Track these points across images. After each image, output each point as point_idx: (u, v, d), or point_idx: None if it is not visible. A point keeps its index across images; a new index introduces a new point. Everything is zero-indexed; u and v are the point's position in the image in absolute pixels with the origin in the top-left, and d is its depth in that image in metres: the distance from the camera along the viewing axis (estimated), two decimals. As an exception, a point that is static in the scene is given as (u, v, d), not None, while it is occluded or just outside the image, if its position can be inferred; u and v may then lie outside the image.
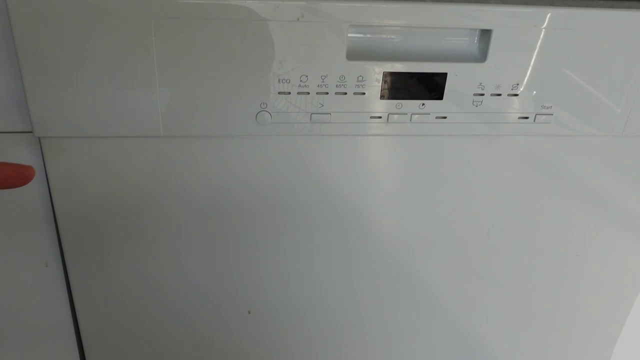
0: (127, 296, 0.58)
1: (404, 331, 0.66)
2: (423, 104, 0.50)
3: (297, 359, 0.67)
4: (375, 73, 0.48)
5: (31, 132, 0.48)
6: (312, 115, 0.49)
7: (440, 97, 0.50)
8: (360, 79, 0.48)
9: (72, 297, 0.58)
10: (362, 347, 0.67)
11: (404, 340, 0.67)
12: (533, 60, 0.49)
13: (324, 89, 0.48)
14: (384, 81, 0.49)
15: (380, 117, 0.50)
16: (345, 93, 0.49)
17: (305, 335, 0.65)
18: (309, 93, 0.48)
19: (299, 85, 0.48)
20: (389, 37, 0.49)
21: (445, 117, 0.51)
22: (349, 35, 0.47)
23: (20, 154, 0.50)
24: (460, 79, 0.49)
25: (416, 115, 0.51)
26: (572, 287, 0.67)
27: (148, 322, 0.61)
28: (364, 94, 0.49)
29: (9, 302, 0.57)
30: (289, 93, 0.48)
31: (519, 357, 0.72)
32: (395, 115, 0.50)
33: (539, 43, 0.49)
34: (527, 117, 0.52)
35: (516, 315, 0.68)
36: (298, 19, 0.45)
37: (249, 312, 0.62)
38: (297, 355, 0.66)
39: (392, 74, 0.48)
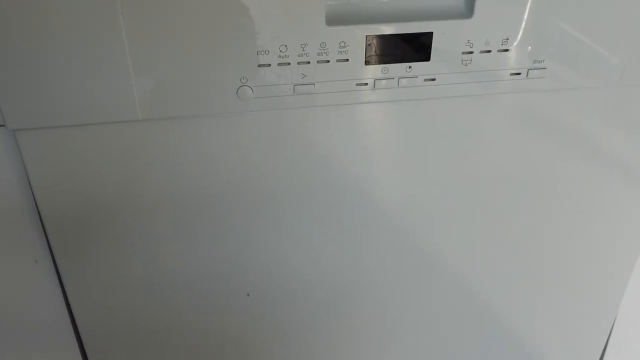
0: (121, 286, 0.57)
1: (410, 305, 0.65)
2: (410, 67, 0.48)
3: (296, 341, 0.66)
4: (358, 38, 0.46)
5: (3, 125, 0.46)
6: (295, 86, 0.47)
7: (428, 59, 0.48)
8: (342, 45, 0.46)
9: (66, 293, 0.57)
10: (362, 324, 0.66)
11: (409, 315, 0.66)
12: (522, 12, 0.47)
13: (305, 58, 0.46)
14: (368, 45, 0.46)
15: (366, 84, 0.48)
16: (328, 61, 0.46)
17: (304, 316, 0.64)
18: (289, 64, 0.46)
19: (279, 56, 0.45)
20: (369, -2, 0.46)
21: (434, 79, 0.49)
22: (327, -1, 0.45)
23: (-4, 149, 0.48)
24: (447, 38, 0.47)
25: (404, 79, 0.49)
26: (574, 245, 0.65)
27: (145, 310, 0.59)
28: (347, 60, 0.47)
29: (1, 302, 0.56)
30: (269, 65, 0.46)
31: (523, 314, 0.71)
32: (382, 81, 0.48)
33: (527, -7, 0.47)
34: (519, 73, 0.50)
35: (520, 275, 0.66)
36: (272, -15, 0.42)
37: (248, 295, 0.60)
38: (296, 336, 0.65)
39: (375, 37, 0.46)
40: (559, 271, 0.67)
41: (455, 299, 0.66)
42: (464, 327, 0.69)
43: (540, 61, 0.50)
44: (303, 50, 0.45)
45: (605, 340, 0.76)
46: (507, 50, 0.49)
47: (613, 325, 0.74)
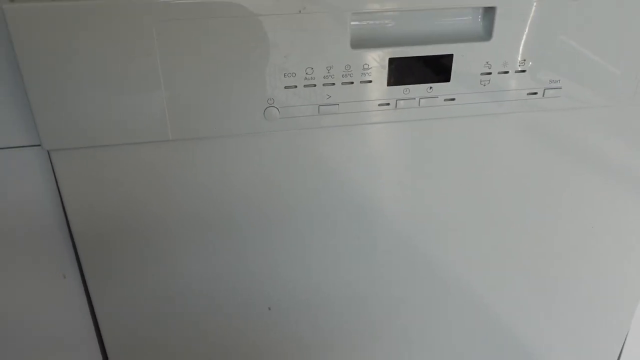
0: (147, 302, 0.58)
1: (426, 319, 0.66)
2: (430, 88, 0.50)
3: (317, 353, 0.67)
4: (381, 60, 0.48)
5: (39, 145, 0.48)
6: (320, 107, 0.49)
7: (448, 79, 0.49)
8: (365, 67, 0.48)
9: (93, 308, 0.58)
10: (381, 339, 0.67)
11: (425, 328, 0.67)
12: (538, 35, 0.49)
13: (330, 80, 0.48)
14: (390, 67, 0.48)
15: (388, 104, 0.50)
16: (352, 82, 0.48)
17: (325, 329, 0.65)
18: (315, 85, 0.48)
19: (305, 78, 0.47)
20: (392, 22, 0.48)
21: (453, 99, 0.51)
22: (351, 23, 0.46)
23: (30, 168, 0.49)
24: (466, 60, 0.49)
25: (424, 99, 0.50)
26: (588, 259, 0.66)
27: (171, 324, 0.61)
28: (370, 81, 0.48)
29: (30, 316, 0.57)
30: (296, 87, 0.47)
31: (538, 331, 0.72)
32: (403, 101, 0.50)
33: (543, 17, 0.48)
34: (535, 93, 0.52)
35: (534, 289, 0.67)
36: (300, 11, 0.44)
37: (269, 309, 0.62)
38: (316, 348, 0.66)
39: (398, 59, 0.48)
40: (572, 285, 0.68)
41: (469, 312, 0.67)
42: (477, 338, 0.70)
43: (556, 81, 0.52)
44: (328, 72, 0.47)
45: (618, 354, 0.76)
46: (524, 71, 0.50)
47: (626, 338, 0.75)
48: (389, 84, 0.49)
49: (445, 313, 0.67)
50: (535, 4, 0.47)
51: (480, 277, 0.65)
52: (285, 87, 0.47)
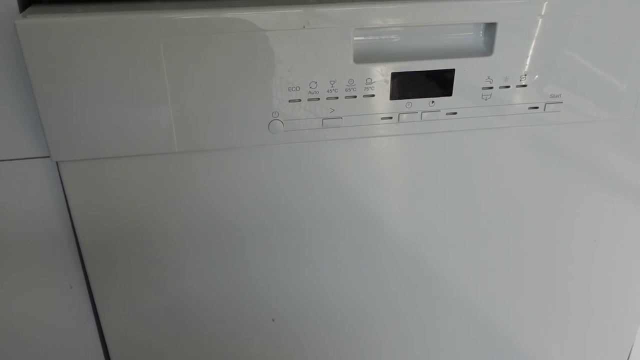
0: (152, 312, 0.59)
1: (428, 332, 0.67)
2: (433, 102, 0.50)
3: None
4: (383, 74, 0.48)
5: (48, 157, 0.49)
6: (324, 120, 0.49)
7: (450, 94, 0.50)
8: (368, 81, 0.48)
9: (98, 318, 0.59)
10: (384, 350, 0.67)
11: (427, 341, 0.67)
12: (539, 50, 0.50)
13: (333, 94, 0.48)
14: (393, 81, 0.49)
15: (390, 118, 0.51)
16: (355, 96, 0.49)
17: (329, 341, 0.65)
18: (319, 99, 0.48)
19: (309, 92, 0.48)
20: (394, 37, 0.49)
21: (455, 113, 0.51)
22: (355, 38, 0.47)
23: (39, 179, 0.50)
24: (468, 74, 0.50)
25: (426, 113, 0.51)
26: (591, 273, 0.66)
27: (176, 336, 0.61)
28: (373, 95, 0.49)
29: (36, 326, 0.58)
30: (300, 100, 0.48)
31: (540, 345, 0.71)
32: (406, 115, 0.51)
33: (544, 32, 0.49)
34: (537, 107, 0.52)
35: (536, 303, 0.67)
36: (304, 27, 0.45)
37: (273, 320, 0.62)
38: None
39: (400, 73, 0.49)
40: (576, 298, 0.68)
41: (473, 325, 0.67)
42: (480, 351, 0.70)
43: (557, 95, 0.52)
44: (332, 87, 0.48)
45: (623, 367, 0.76)
46: (524, 85, 0.51)
47: (631, 351, 0.75)
48: (392, 97, 0.50)
49: (448, 326, 0.67)
50: (535, 19, 0.48)
51: (483, 290, 0.65)
52: (290, 101, 0.48)
